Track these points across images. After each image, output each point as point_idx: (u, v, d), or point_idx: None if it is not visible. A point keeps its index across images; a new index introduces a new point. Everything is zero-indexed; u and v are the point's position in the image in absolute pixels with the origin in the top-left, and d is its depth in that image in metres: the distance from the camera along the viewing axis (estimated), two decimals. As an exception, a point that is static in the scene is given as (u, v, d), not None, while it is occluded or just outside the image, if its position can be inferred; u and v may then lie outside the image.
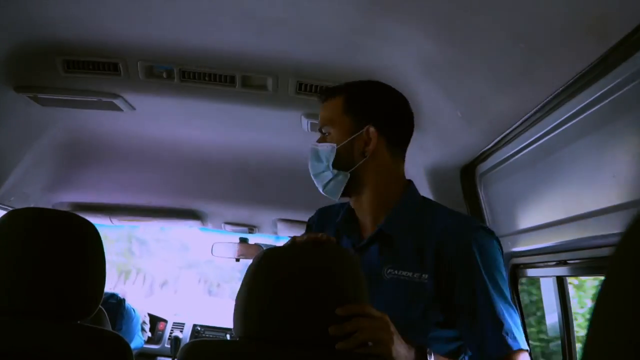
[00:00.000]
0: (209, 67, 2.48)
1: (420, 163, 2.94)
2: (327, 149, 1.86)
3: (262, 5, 2.03)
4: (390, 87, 1.95)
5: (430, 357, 1.63)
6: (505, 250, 2.65)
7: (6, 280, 1.51)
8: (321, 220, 2.10)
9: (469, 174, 2.88)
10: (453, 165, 2.86)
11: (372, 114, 1.86)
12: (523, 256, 2.60)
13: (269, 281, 1.46)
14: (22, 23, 2.21)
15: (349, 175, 1.86)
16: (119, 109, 2.76)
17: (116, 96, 2.65)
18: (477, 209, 2.89)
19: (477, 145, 2.56)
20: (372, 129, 1.83)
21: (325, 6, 1.99)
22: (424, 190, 3.01)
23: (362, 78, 2.39)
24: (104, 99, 2.67)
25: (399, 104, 1.93)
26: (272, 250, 1.55)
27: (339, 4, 1.97)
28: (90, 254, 1.60)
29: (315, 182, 1.94)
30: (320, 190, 1.93)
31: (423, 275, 1.73)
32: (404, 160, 1.94)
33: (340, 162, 1.86)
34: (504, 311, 1.69)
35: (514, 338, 1.67)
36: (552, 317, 2.95)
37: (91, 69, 2.47)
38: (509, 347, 1.66)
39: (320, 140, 1.91)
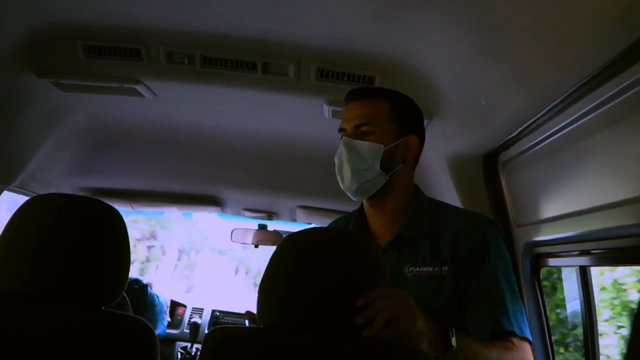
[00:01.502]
0: (230, 53, 2.46)
1: (442, 151, 2.92)
2: (375, 149, 1.92)
3: None
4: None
5: (452, 334, 1.64)
6: (527, 239, 2.65)
7: (30, 264, 1.51)
8: None
9: (491, 163, 2.85)
10: (475, 153, 2.84)
11: (413, 123, 1.99)
12: (545, 245, 2.58)
13: (292, 269, 1.46)
14: (42, 7, 2.21)
15: (387, 178, 1.93)
16: (140, 95, 2.76)
17: (137, 82, 2.64)
18: (498, 198, 2.86)
19: (500, 134, 2.54)
20: (414, 139, 1.97)
21: None
22: (446, 178, 3.00)
23: (384, 64, 2.39)
24: (126, 85, 2.66)
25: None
26: (294, 237, 1.55)
27: None
28: (115, 239, 1.60)
29: (348, 178, 1.94)
30: (351, 187, 1.94)
31: (443, 268, 1.85)
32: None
33: (384, 164, 1.92)
34: (511, 300, 1.81)
35: (517, 324, 1.79)
36: (572, 306, 2.96)
37: (112, 54, 2.47)
38: (510, 328, 1.77)
39: (357, 137, 1.94)
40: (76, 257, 1.52)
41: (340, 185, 1.98)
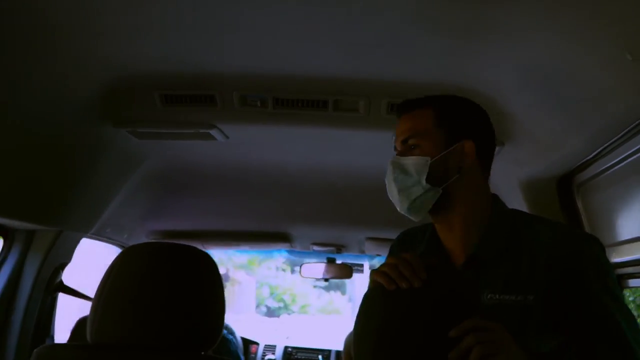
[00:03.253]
0: (302, 93, 2.50)
1: (514, 176, 2.90)
2: (420, 163, 1.75)
3: (356, 30, 2.03)
4: (473, 101, 1.87)
5: None
6: (607, 261, 2.61)
7: (130, 315, 1.53)
8: (402, 247, 2.00)
9: (566, 185, 2.83)
10: (549, 176, 2.82)
11: (466, 127, 1.79)
12: (628, 266, 2.53)
13: (383, 311, 1.46)
14: (120, 61, 2.27)
15: (440, 191, 1.75)
16: (213, 138, 2.81)
17: (212, 126, 2.69)
18: (575, 220, 2.83)
19: (576, 156, 2.52)
20: (469, 144, 1.76)
21: (421, 28, 1.98)
22: (519, 203, 2.97)
23: (455, 94, 2.38)
24: (201, 130, 2.71)
25: (487, 118, 1.85)
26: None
27: (435, 25, 1.96)
28: (210, 284, 1.62)
29: (397, 198, 1.80)
30: (403, 207, 1.80)
31: (528, 297, 1.63)
32: (489, 176, 1.85)
33: (433, 177, 1.74)
34: (627, 327, 1.58)
35: (633, 350, 1.55)
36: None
37: (188, 102, 2.52)
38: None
39: (404, 154, 1.79)
40: (175, 305, 1.54)
41: (397, 207, 1.83)
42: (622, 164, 2.28)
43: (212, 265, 1.65)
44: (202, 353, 1.61)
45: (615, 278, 1.70)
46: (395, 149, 1.84)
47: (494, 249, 1.72)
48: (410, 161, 1.76)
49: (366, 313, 1.48)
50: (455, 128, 1.77)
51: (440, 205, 1.77)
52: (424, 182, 1.74)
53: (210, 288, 1.62)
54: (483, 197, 1.81)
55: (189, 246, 1.67)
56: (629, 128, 2.05)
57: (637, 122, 1.98)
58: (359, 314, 1.49)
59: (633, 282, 2.62)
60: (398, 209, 1.82)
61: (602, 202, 2.59)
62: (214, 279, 1.64)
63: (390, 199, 1.84)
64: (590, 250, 1.68)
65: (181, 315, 1.54)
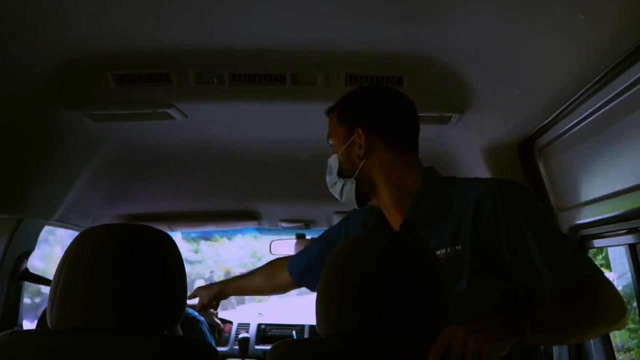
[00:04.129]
0: (258, 68, 2.47)
1: (476, 144, 2.91)
2: (333, 160, 2.02)
3: (308, 1, 2.01)
4: (380, 87, 2.13)
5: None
6: (570, 223, 2.63)
7: (90, 298, 1.51)
8: (351, 221, 2.26)
9: (527, 150, 2.84)
10: (510, 142, 2.83)
11: (359, 117, 1.96)
12: (590, 227, 2.56)
13: (349, 275, 1.46)
14: (69, 41, 2.21)
15: (354, 181, 1.95)
16: (172, 118, 2.77)
17: (169, 106, 2.65)
18: (538, 184, 2.85)
19: (535, 120, 2.53)
20: (359, 131, 1.93)
21: None
22: (483, 170, 2.99)
23: (412, 64, 2.38)
24: (158, 110, 2.67)
25: (388, 100, 2.00)
26: (350, 243, 1.55)
27: None
28: (171, 264, 1.61)
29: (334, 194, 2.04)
30: (341, 200, 2.02)
31: (457, 247, 1.76)
32: (414, 151, 1.98)
33: (343, 170, 1.98)
34: (562, 248, 1.65)
35: (584, 269, 1.61)
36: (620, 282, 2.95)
37: (142, 81, 2.47)
38: (574, 276, 1.59)
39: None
40: (133, 285, 1.52)
41: None
42: (580, 125, 2.30)
43: (171, 245, 1.63)
44: (165, 333, 1.59)
45: (542, 208, 1.79)
46: None
47: (422, 211, 1.86)
48: (329, 161, 2.04)
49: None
50: (350, 120, 1.97)
51: (364, 191, 1.98)
52: (335, 176, 1.99)
53: (169, 267, 1.61)
54: (407, 171, 1.95)
55: (147, 226, 1.65)
56: (583, 90, 2.05)
57: (590, 84, 1.99)
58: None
59: (597, 243, 2.65)
60: None
61: (563, 165, 2.61)
62: (174, 258, 1.63)
63: None
64: (508, 190, 1.76)
65: (140, 295, 1.53)
